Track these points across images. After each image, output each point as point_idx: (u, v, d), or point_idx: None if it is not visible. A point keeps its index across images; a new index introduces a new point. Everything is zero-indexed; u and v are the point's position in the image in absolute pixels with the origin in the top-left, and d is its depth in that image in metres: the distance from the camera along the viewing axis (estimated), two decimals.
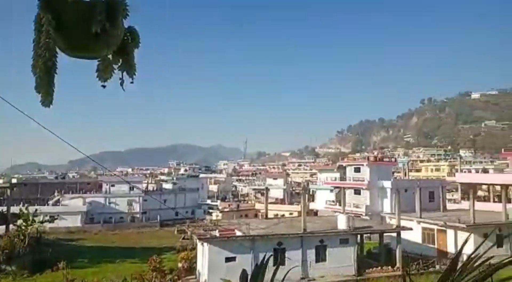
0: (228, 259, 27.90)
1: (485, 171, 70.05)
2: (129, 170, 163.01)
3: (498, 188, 48.23)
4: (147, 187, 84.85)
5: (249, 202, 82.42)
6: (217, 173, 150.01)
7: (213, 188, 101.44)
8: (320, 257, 29.91)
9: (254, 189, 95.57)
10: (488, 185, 52.26)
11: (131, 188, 71.19)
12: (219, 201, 79.74)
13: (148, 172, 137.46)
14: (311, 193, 71.60)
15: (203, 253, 29.07)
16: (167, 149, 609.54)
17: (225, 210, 70.84)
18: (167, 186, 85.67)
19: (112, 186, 70.70)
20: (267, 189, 50.28)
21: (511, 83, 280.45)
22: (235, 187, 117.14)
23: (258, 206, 70.32)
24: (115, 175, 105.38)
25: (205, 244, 28.49)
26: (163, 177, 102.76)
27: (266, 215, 39.95)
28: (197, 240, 29.57)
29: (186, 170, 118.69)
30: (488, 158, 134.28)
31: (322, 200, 60.25)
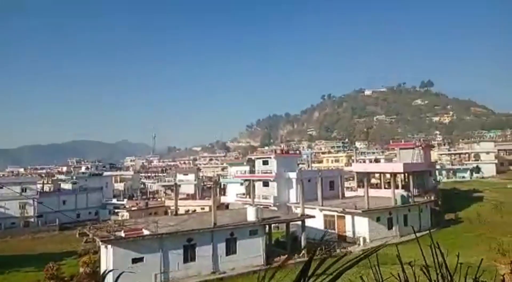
0: (135, 260, 26.66)
1: (377, 160, 78.21)
2: (21, 170, 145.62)
3: (388, 175, 54.01)
4: (42, 188, 76.92)
5: (159, 199, 79.87)
6: (124, 170, 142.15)
7: (119, 186, 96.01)
8: (231, 249, 30.28)
9: (163, 186, 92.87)
10: (380, 173, 58.29)
11: (23, 190, 63.81)
12: (126, 200, 75.79)
13: (44, 171, 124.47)
14: (222, 186, 72.17)
15: (107, 256, 27.29)
16: (66, 146, 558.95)
17: (133, 209, 67.72)
18: (66, 186, 78.70)
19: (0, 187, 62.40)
20: (176, 185, 49.16)
21: (397, 81, 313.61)
22: (144, 184, 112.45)
23: (168, 202, 68.59)
24: (3, 175, 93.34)
25: (109, 246, 26.76)
26: (61, 176, 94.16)
27: (176, 212, 39.08)
28: (100, 243, 27.62)
29: (88, 168, 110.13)
30: (380, 148, 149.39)
31: (233, 193, 61.09)
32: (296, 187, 48.57)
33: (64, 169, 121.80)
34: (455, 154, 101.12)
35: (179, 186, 77.29)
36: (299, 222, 35.37)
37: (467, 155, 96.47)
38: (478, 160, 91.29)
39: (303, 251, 33.24)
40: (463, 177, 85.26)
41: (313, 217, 36.95)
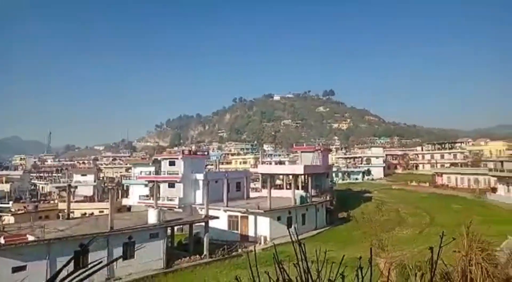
0: (15, 269, 23.81)
1: (281, 162, 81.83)
2: None
3: (291, 177, 56.80)
4: None
5: (51, 202, 72.62)
6: (11, 169, 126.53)
7: (5, 187, 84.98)
8: (128, 254, 28.83)
9: (57, 187, 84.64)
10: (283, 174, 61.11)
11: None
12: (11, 203, 67.35)
13: None
14: (125, 188, 68.44)
15: None
16: None
17: (19, 212, 60.38)
18: None
19: None
20: (70, 186, 45.33)
21: (304, 89, 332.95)
22: (35, 185, 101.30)
23: (62, 205, 62.65)
24: None
25: None
26: None
27: (68, 215, 35.93)
28: None
29: None
30: (285, 151, 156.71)
31: (136, 195, 58.38)
32: (203, 188, 48.36)
33: None
34: (350, 158, 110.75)
35: (76, 187, 71.50)
36: (203, 224, 35.20)
37: (360, 159, 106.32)
38: (369, 164, 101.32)
39: (205, 252, 33.18)
40: (356, 179, 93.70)
41: (217, 218, 37.14)
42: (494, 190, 57.12)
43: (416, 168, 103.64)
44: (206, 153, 68.94)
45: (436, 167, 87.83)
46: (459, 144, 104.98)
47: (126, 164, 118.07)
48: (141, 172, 60.85)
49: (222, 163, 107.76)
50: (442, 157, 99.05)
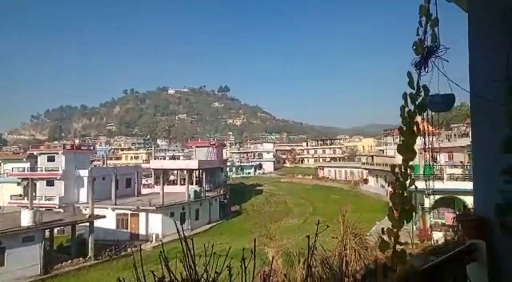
0: None
1: (174, 158, 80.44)
2: None
3: (185, 172, 56.26)
4: None
5: None
6: None
7: None
8: None
9: None
10: (177, 170, 60.16)
11: None
12: None
13: None
14: None
15: None
16: None
17: None
18: None
19: None
20: None
21: (199, 84, 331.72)
22: None
23: None
24: None
25: None
26: None
27: None
28: None
29: None
30: (180, 146, 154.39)
31: (7, 195, 51.35)
32: (88, 186, 44.89)
33: None
34: (243, 153, 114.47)
35: None
36: (88, 224, 32.78)
37: (252, 154, 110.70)
38: (261, 158, 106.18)
39: (89, 254, 31.01)
40: (249, 173, 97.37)
41: (104, 217, 34.94)
42: (366, 181, 65.10)
43: (302, 162, 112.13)
44: (91, 148, 64.12)
45: (319, 161, 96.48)
46: (338, 140, 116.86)
47: None
48: (12, 168, 53.68)
49: (111, 159, 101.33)
50: (324, 152, 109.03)
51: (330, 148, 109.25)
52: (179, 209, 42.71)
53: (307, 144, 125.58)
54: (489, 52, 2.77)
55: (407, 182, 2.09)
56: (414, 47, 2.37)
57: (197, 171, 56.47)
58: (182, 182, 55.65)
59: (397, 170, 2.15)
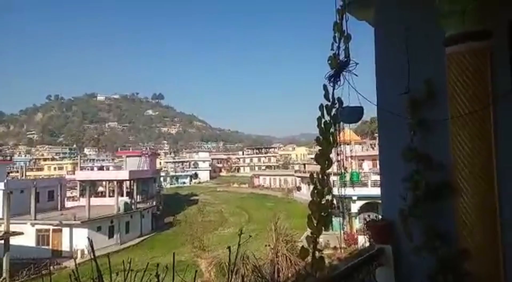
0: None
1: (103, 168, 76.14)
2: None
3: (115, 183, 53.51)
4: None
5: None
6: None
7: None
8: None
9: None
10: (106, 181, 56.99)
11: None
12: None
13: None
14: None
15: None
16: None
17: None
18: None
19: None
20: None
21: (131, 90, 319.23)
22: None
23: None
24: None
25: None
26: None
27: None
28: None
29: None
30: (110, 155, 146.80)
31: None
32: (3, 200, 40.66)
33: None
34: (178, 162, 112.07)
35: None
36: (2, 241, 29.66)
37: (188, 163, 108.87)
38: (197, 168, 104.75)
39: (4, 275, 28.02)
40: (184, 183, 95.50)
41: (21, 233, 31.93)
42: (299, 188, 67.12)
43: (238, 171, 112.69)
44: (8, 158, 58.44)
45: (254, 169, 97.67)
46: (273, 149, 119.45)
47: None
48: None
49: (32, 170, 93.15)
50: (259, 160, 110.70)
51: (265, 156, 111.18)
52: (107, 223, 40.41)
53: (243, 152, 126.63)
54: (393, 67, 3.00)
55: (325, 190, 2.16)
56: (329, 62, 2.49)
57: (128, 182, 54.03)
58: (111, 194, 52.87)
59: (315, 177, 2.22)
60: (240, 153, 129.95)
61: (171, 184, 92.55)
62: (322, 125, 2.27)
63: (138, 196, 49.47)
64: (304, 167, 67.02)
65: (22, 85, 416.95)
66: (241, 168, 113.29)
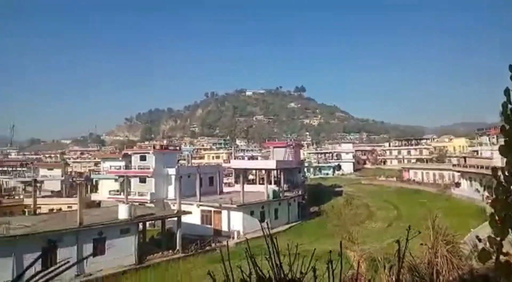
0: None
1: (253, 158, 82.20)
2: None
3: (263, 172, 57.21)
4: None
5: (16, 197, 69.71)
6: None
7: None
8: (99, 250, 28.25)
9: (22, 182, 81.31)
10: (255, 169, 61.42)
11: None
12: None
13: None
14: (94, 183, 66.75)
15: None
16: None
17: None
18: None
19: None
20: (36, 181, 43.80)
21: (276, 84, 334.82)
22: None
23: (27, 201, 60.31)
24: None
25: None
26: None
27: (35, 211, 34.75)
28: None
29: None
30: (258, 146, 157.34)
31: (106, 190, 57.06)
32: (175, 183, 47.88)
33: None
34: (321, 153, 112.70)
35: (42, 182, 68.99)
36: (176, 219, 34.93)
37: (330, 155, 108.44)
38: (339, 159, 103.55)
39: (177, 247, 32.98)
40: (327, 174, 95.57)
41: (190, 213, 36.97)
42: (457, 184, 59.79)
43: (384, 163, 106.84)
44: (178, 148, 68.21)
45: (403, 162, 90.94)
46: (425, 140, 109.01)
47: (95, 158, 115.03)
48: (110, 166, 59.48)
49: (195, 158, 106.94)
50: (409, 152, 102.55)
51: (415, 149, 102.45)
52: (259, 208, 43.46)
53: (389, 144, 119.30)
54: None
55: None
56: None
57: (275, 171, 56.97)
58: (260, 181, 56.56)
59: (499, 173, 1.93)
60: (386, 144, 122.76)
61: (314, 175, 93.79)
62: (509, 112, 1.93)
63: (284, 185, 51.68)
64: (465, 161, 59.18)
65: (185, 84, 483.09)
66: (388, 161, 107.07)
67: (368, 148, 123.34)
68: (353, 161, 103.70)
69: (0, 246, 24.00)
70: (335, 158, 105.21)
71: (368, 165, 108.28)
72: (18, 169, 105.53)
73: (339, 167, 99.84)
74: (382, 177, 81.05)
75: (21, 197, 68.43)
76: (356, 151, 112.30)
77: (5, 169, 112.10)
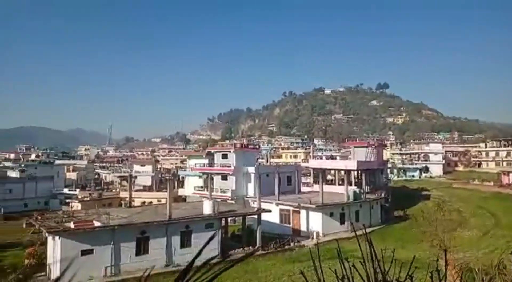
0: (84, 252, 25.79)
1: (332, 157, 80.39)
2: None
3: (342, 172, 55.73)
4: None
5: (114, 190, 77.41)
6: (77, 159, 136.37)
7: (72, 175, 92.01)
8: (186, 242, 30.05)
9: (119, 176, 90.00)
10: (334, 170, 60.02)
11: None
12: (78, 190, 72.80)
13: None
14: (180, 179, 71.21)
15: (55, 247, 26.19)
16: (12, 132, 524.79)
17: (85, 199, 65.14)
18: (14, 174, 74.17)
19: None
20: (131, 176, 47.99)
21: (355, 82, 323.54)
22: (98, 174, 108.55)
23: (123, 194, 66.60)
24: None
25: (56, 237, 25.68)
26: (7, 163, 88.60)
27: (130, 203, 38.17)
28: (47, 234, 26.44)
29: (38, 156, 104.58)
30: (337, 146, 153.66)
31: (191, 186, 60.50)
32: (255, 181, 48.92)
33: (12, 155, 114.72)
34: (406, 154, 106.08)
35: (136, 177, 75.53)
36: (255, 216, 35.71)
37: (417, 155, 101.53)
38: (427, 160, 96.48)
39: (258, 245, 33.66)
40: (413, 176, 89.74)
41: (269, 211, 37.48)
42: None
43: (479, 166, 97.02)
44: (257, 147, 69.58)
45: (502, 165, 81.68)
46: None
47: (181, 156, 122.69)
48: (195, 164, 62.83)
49: (273, 157, 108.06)
50: (509, 154, 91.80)
51: None
52: (339, 209, 42.45)
53: (485, 144, 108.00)
54: None
55: None
56: None
57: (356, 172, 55.10)
58: (340, 182, 55.14)
59: None
60: (482, 144, 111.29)
61: (398, 177, 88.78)
62: None
63: (366, 186, 49.76)
64: None
65: (263, 84, 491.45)
66: (483, 163, 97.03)
67: (461, 149, 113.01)
68: (443, 162, 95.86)
69: (102, 234, 26.79)
70: (422, 159, 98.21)
71: (460, 167, 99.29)
72: (115, 165, 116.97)
73: (426, 169, 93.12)
74: (477, 180, 73.62)
75: (118, 190, 75.77)
76: (446, 151, 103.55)
77: (104, 164, 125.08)
